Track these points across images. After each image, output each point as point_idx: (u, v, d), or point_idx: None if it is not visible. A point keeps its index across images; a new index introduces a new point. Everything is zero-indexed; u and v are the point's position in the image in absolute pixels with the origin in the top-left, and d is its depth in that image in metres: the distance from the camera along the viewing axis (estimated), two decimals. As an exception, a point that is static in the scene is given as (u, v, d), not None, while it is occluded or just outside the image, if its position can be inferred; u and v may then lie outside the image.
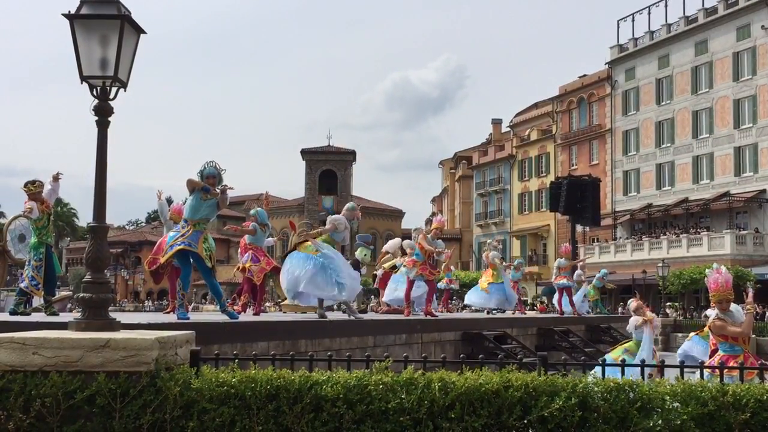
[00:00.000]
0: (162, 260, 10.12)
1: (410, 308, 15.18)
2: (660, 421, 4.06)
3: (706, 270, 7.82)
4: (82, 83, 5.25)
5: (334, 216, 12.14)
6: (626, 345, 10.99)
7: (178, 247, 9.03)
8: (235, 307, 12.08)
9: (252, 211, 13.20)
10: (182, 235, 9.07)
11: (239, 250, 13.70)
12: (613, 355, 10.63)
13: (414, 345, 12.75)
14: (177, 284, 10.28)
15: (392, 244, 17.99)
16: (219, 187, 8.95)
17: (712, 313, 8.39)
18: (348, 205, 12.61)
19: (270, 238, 13.99)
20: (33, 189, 10.05)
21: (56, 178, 10.32)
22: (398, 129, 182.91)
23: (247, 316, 11.48)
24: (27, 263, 10.24)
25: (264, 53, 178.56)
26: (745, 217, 44.27)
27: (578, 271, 23.02)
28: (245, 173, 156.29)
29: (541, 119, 63.35)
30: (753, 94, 43.74)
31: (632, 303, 10.93)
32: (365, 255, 16.44)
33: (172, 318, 9.29)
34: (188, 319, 8.81)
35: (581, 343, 20.42)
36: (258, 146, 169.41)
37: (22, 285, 10.20)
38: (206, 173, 9.01)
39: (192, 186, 8.96)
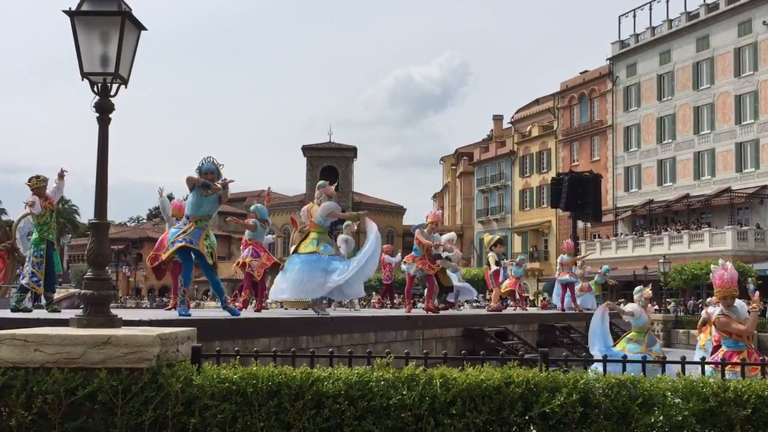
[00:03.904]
0: (164, 257, 10.11)
1: (411, 304, 15.28)
2: (661, 417, 4.06)
3: (712, 266, 7.83)
4: (83, 80, 5.25)
5: (327, 204, 11.38)
6: (629, 335, 11.12)
7: (180, 244, 9.04)
8: (236, 304, 12.07)
9: (252, 207, 13.19)
10: (184, 232, 9.07)
11: (241, 247, 13.68)
12: (619, 347, 10.75)
13: (415, 341, 12.76)
14: (179, 281, 10.27)
15: (448, 237, 17.03)
16: (219, 181, 8.93)
17: (713, 309, 8.40)
18: (318, 183, 11.89)
19: (269, 236, 13.93)
20: (36, 183, 10.01)
21: (61, 176, 10.21)
22: (400, 125, 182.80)
23: (249, 313, 11.48)
24: (27, 259, 10.23)
25: (265, 49, 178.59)
26: (746, 213, 44.20)
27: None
28: (246, 169, 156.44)
29: (543, 115, 63.27)
30: (754, 89, 43.67)
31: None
32: None
33: (173, 315, 9.30)
34: (190, 315, 8.81)
35: (582, 339, 20.40)
36: (259, 142, 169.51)
37: (23, 281, 10.20)
38: (204, 169, 8.98)
39: (192, 183, 8.93)
